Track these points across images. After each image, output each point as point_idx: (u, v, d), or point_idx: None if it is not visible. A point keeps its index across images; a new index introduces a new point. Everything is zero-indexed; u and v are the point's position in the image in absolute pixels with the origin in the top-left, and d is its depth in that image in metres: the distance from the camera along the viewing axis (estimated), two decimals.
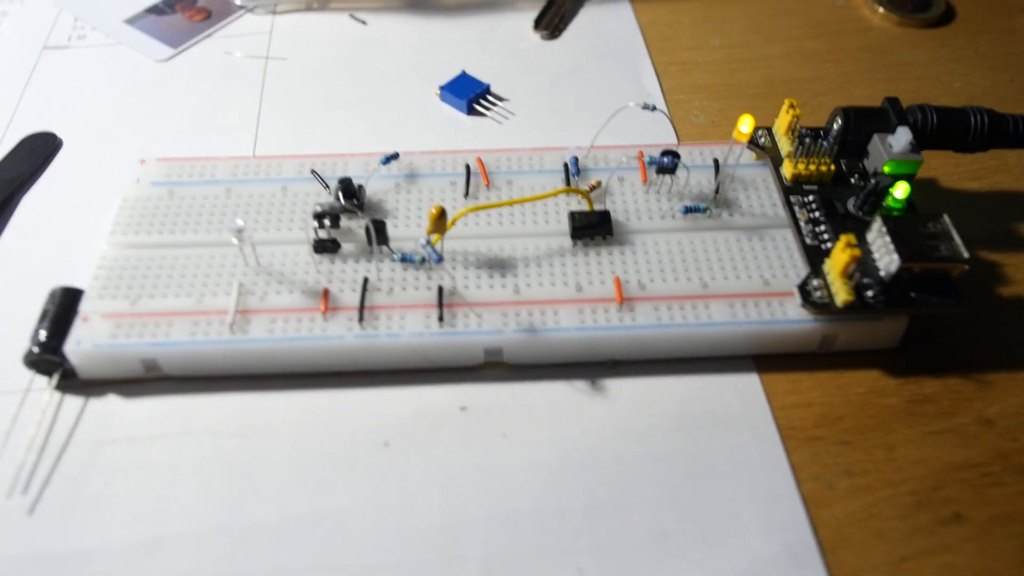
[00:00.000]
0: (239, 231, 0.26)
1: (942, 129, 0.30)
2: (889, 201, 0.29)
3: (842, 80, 0.39)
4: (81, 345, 0.26)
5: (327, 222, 0.28)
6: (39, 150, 0.35)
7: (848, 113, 0.31)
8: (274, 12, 0.42)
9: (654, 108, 0.30)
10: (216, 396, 0.27)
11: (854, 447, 0.26)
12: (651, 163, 0.29)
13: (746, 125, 0.28)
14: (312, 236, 0.28)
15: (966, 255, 0.26)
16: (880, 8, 0.43)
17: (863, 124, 0.30)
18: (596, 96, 0.38)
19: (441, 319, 0.27)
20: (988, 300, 0.30)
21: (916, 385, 0.28)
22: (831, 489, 0.25)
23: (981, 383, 0.28)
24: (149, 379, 0.27)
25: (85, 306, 0.27)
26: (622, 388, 0.27)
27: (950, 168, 0.35)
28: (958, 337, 0.29)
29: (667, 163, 0.29)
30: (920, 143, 0.30)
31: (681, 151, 0.32)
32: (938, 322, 0.29)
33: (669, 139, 0.36)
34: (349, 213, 0.29)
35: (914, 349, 0.28)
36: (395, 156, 0.31)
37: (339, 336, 0.26)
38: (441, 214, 0.26)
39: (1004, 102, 0.38)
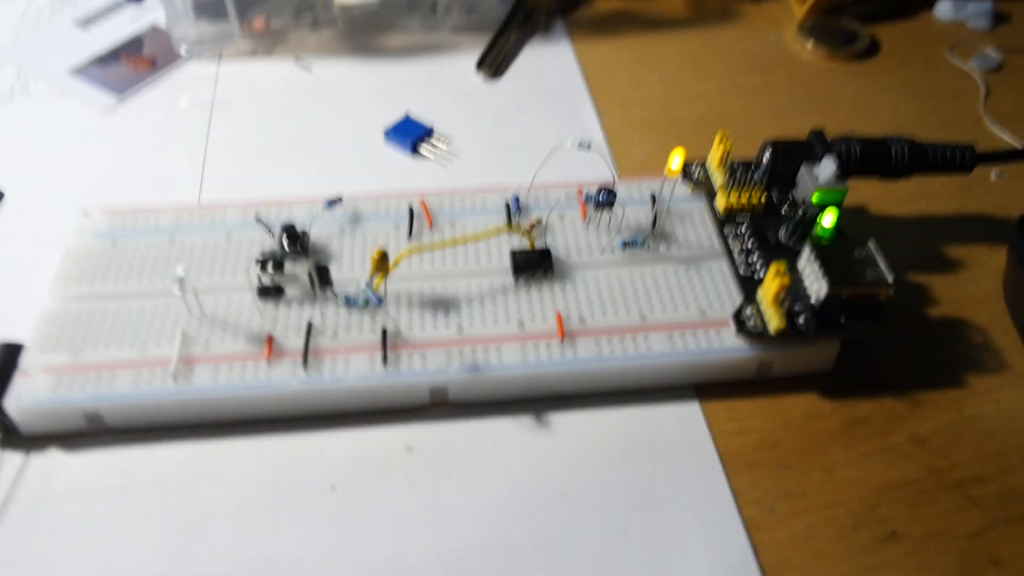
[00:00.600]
0: (180, 281, 0.26)
1: (865, 158, 0.32)
2: (818, 229, 0.30)
3: (775, 113, 0.41)
4: (22, 400, 0.26)
5: (270, 268, 0.28)
6: None
7: (776, 146, 0.32)
8: (219, 59, 0.43)
9: (589, 146, 0.31)
10: (161, 446, 0.27)
11: (793, 470, 0.27)
12: (587, 200, 0.30)
13: (676, 161, 0.28)
14: (256, 282, 0.28)
15: (890, 279, 0.27)
16: (809, 44, 0.45)
17: (791, 156, 0.32)
18: (538, 134, 0.39)
19: (385, 360, 0.27)
20: (917, 321, 0.31)
21: (851, 407, 0.29)
22: (772, 513, 0.26)
23: (913, 402, 0.29)
24: (93, 432, 0.27)
25: (26, 360, 0.27)
26: (567, 422, 0.28)
27: (879, 195, 0.36)
28: (890, 358, 0.30)
29: (602, 199, 0.30)
30: (846, 172, 0.31)
31: (619, 186, 0.33)
32: (870, 345, 0.30)
33: (609, 174, 0.36)
34: (293, 258, 0.29)
35: (848, 372, 0.29)
36: (338, 200, 0.31)
37: (284, 382, 0.27)
38: (382, 256, 0.27)
39: (929, 129, 0.40)
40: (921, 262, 0.33)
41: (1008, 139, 0.39)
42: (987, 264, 0.34)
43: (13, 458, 0.27)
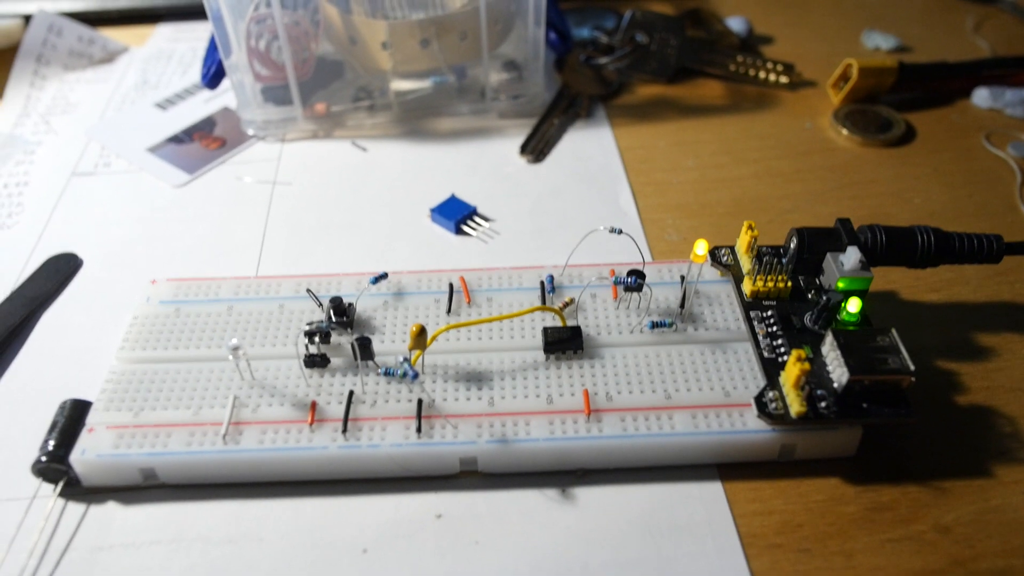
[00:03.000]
0: (234, 349, 0.28)
1: (891, 248, 0.32)
2: (844, 315, 0.31)
3: (808, 198, 0.42)
4: (85, 455, 0.28)
5: (316, 339, 0.30)
6: (61, 270, 0.38)
7: (802, 234, 0.33)
8: (283, 140, 0.46)
9: (620, 232, 0.32)
10: (208, 504, 0.29)
11: (813, 555, 0.27)
12: (616, 282, 0.32)
13: (701, 248, 0.30)
14: (303, 352, 0.31)
15: (912, 368, 0.28)
16: (844, 130, 0.46)
17: (817, 244, 0.33)
18: (576, 216, 0.40)
19: (419, 430, 0.29)
20: (945, 408, 0.32)
21: (874, 493, 0.29)
22: None
23: (938, 490, 0.29)
24: (147, 487, 0.29)
25: (92, 417, 0.29)
26: (590, 496, 0.29)
27: (910, 281, 0.37)
28: (915, 445, 0.30)
29: (631, 283, 0.31)
30: (872, 261, 0.32)
31: (650, 269, 0.34)
32: (895, 431, 0.30)
33: (641, 257, 0.38)
34: (338, 330, 0.32)
35: (872, 457, 0.30)
36: (384, 276, 0.33)
37: (323, 447, 0.28)
38: (421, 332, 0.29)
39: (963, 215, 0.41)
40: (951, 349, 0.34)
41: None
42: (1019, 352, 0.34)
43: (75, 508, 0.29)
